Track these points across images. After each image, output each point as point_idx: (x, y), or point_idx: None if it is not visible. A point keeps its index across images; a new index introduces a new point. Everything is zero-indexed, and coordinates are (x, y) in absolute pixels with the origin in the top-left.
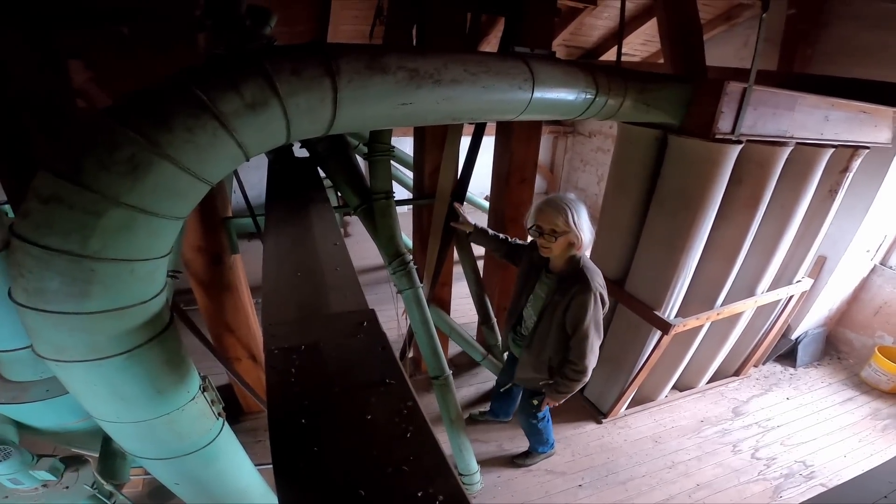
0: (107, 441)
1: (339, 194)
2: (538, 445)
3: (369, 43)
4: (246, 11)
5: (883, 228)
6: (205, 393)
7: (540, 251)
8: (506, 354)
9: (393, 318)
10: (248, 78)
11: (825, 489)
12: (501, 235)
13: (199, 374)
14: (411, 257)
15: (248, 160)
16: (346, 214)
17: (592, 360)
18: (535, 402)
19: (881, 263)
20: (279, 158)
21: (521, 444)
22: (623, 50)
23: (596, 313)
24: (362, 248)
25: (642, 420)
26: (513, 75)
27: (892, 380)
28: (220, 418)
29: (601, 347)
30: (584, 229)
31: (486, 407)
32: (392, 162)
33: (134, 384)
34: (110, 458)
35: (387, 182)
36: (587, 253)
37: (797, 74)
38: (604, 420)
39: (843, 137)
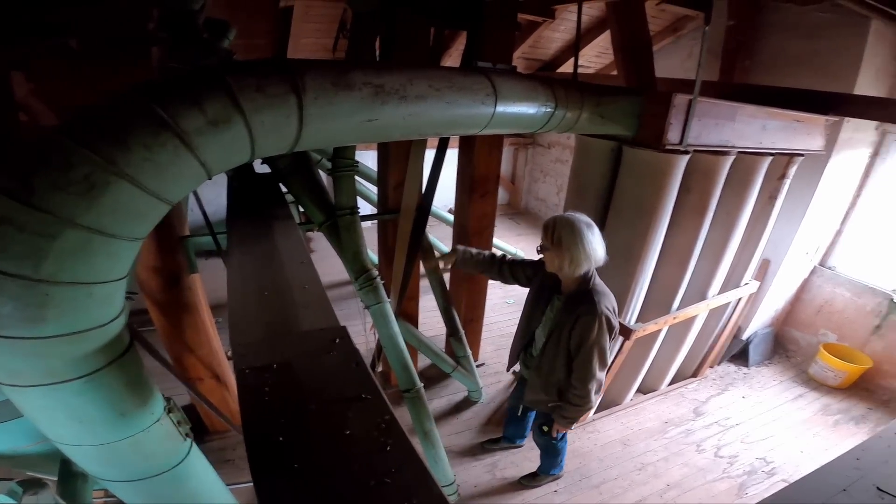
0: (66, 463)
1: (302, 210)
2: (550, 468)
3: (332, 57)
4: (203, 24)
5: (820, 231)
6: (170, 414)
7: None
8: (513, 373)
9: (361, 333)
10: (211, 94)
11: (787, 484)
12: (488, 253)
13: (164, 395)
14: (377, 272)
15: (210, 178)
16: (310, 231)
17: (594, 386)
18: (546, 428)
19: (820, 264)
20: (239, 175)
21: (518, 463)
22: (579, 62)
23: (600, 338)
24: (326, 264)
25: (610, 424)
26: (476, 90)
27: (838, 376)
28: (187, 439)
29: None
30: (572, 249)
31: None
32: (355, 177)
33: (94, 408)
34: (70, 481)
35: (351, 198)
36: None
37: (737, 85)
38: (574, 426)
39: (780, 146)
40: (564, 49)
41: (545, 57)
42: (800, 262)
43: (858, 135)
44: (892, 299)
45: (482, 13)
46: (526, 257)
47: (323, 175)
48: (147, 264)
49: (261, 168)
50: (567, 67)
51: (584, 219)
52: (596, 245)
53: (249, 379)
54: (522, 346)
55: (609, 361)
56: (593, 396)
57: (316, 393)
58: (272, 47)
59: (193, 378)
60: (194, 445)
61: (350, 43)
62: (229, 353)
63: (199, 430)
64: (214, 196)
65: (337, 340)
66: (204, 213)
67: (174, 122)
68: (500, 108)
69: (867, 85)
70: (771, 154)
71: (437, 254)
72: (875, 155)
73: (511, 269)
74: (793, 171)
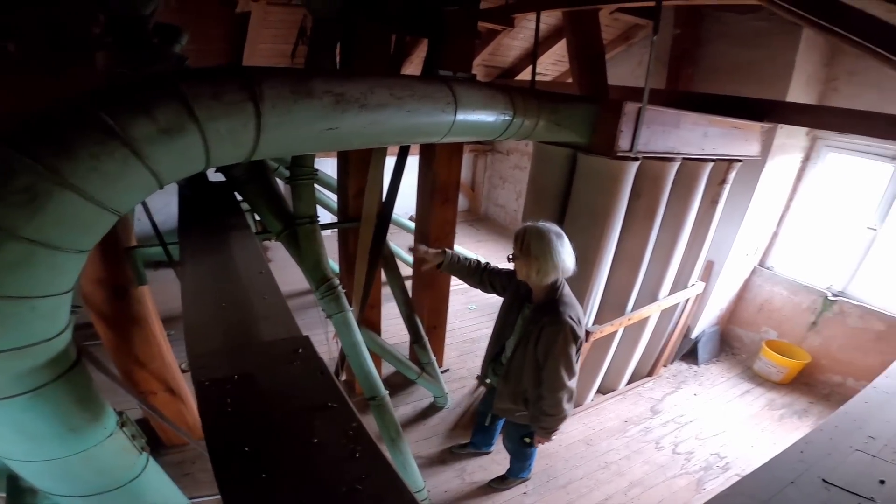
0: (13, 479)
1: (258, 219)
2: (519, 471)
3: (291, 64)
4: (154, 29)
5: (758, 233)
6: (124, 428)
7: None
8: (476, 379)
9: (323, 343)
10: (163, 102)
11: (730, 486)
12: (474, 260)
13: (115, 409)
14: (339, 281)
15: (161, 188)
16: (266, 240)
17: (565, 395)
18: (528, 440)
19: (759, 265)
20: (191, 183)
21: (486, 466)
22: (537, 70)
23: (566, 348)
24: (285, 273)
25: (573, 424)
26: (436, 99)
27: (780, 371)
28: (143, 452)
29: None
30: (540, 259)
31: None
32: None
33: (42, 423)
34: (19, 496)
35: (311, 206)
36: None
37: (682, 92)
38: (538, 445)
39: (720, 152)
40: (523, 57)
41: (504, 64)
42: (741, 263)
43: (791, 141)
44: (825, 297)
45: (443, 22)
46: (495, 265)
47: (280, 183)
48: (91, 277)
49: (214, 176)
50: (525, 75)
51: (554, 229)
52: (565, 256)
53: (210, 391)
54: (494, 355)
55: (576, 370)
56: (565, 405)
57: (280, 403)
58: (227, 53)
59: (146, 392)
60: (151, 459)
61: (310, 49)
62: (184, 366)
63: (155, 444)
64: (163, 205)
65: (300, 350)
66: (153, 223)
67: (123, 130)
68: (461, 117)
69: (799, 92)
70: (712, 160)
71: (423, 249)
72: (806, 160)
73: (490, 278)
74: (732, 176)
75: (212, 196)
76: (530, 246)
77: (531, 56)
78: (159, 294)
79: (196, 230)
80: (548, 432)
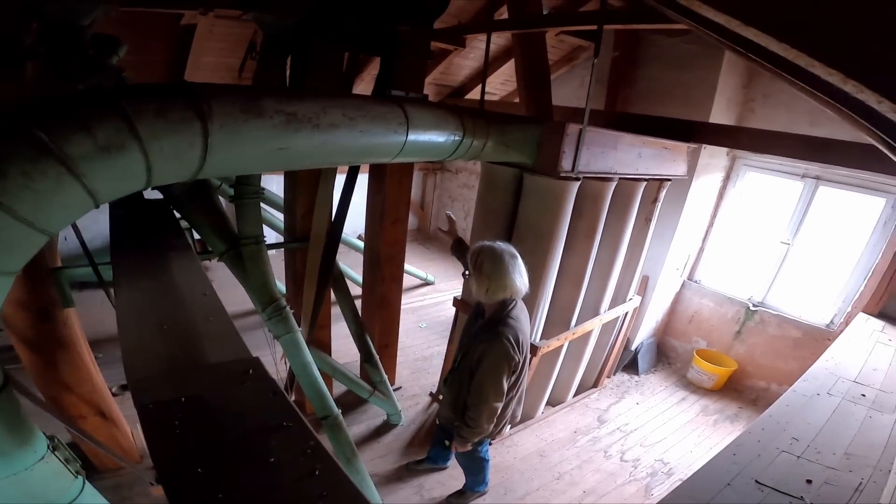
0: None
1: (197, 238)
2: (475, 484)
3: (238, 79)
4: (90, 39)
5: (686, 249)
6: (56, 452)
7: None
8: (430, 395)
9: (271, 364)
10: (103, 118)
11: (673, 489)
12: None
13: (45, 433)
14: (286, 302)
15: (97, 207)
16: (207, 260)
17: (485, 412)
18: (447, 443)
19: (689, 278)
20: (125, 201)
21: (444, 482)
22: (486, 89)
23: (497, 366)
24: (227, 294)
25: (526, 437)
26: (389, 120)
27: (711, 378)
28: (79, 476)
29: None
30: (489, 278)
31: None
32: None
33: None
34: None
35: (257, 226)
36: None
37: (619, 114)
38: (492, 441)
39: (653, 171)
40: (473, 76)
41: (454, 83)
42: (672, 277)
43: (714, 160)
44: (747, 307)
45: (397, 41)
46: (437, 282)
47: (223, 202)
48: (12, 299)
49: (150, 193)
50: (475, 94)
51: (509, 250)
52: (515, 276)
53: (154, 413)
54: (451, 367)
55: (503, 392)
56: (484, 422)
57: (233, 424)
58: (168, 65)
59: (75, 416)
60: (87, 484)
61: (259, 65)
62: (115, 390)
63: (88, 469)
64: (91, 221)
65: (250, 371)
66: (82, 242)
67: (58, 147)
68: (412, 137)
69: (720, 113)
70: (645, 179)
71: (448, 213)
72: (727, 179)
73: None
74: (663, 194)
75: (148, 214)
76: (483, 265)
77: (481, 75)
78: (85, 316)
79: (131, 250)
80: (463, 441)
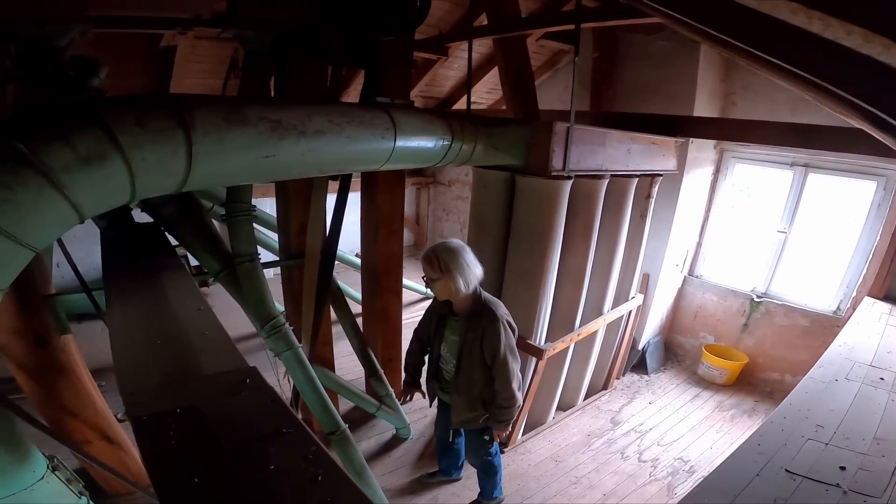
0: None
1: (194, 264)
2: (492, 489)
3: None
4: (70, 61)
5: (684, 244)
6: (56, 472)
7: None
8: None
9: (274, 384)
10: (82, 128)
11: (700, 482)
12: (417, 359)
13: (45, 454)
14: (284, 319)
15: (82, 221)
16: (204, 284)
17: (516, 384)
18: (487, 437)
19: (689, 274)
20: (114, 225)
21: (458, 493)
22: (472, 98)
23: (508, 339)
24: (226, 319)
25: (539, 443)
26: (376, 125)
27: (723, 374)
28: (82, 497)
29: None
30: (459, 272)
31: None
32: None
33: None
34: None
35: (250, 244)
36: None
37: (604, 113)
38: (505, 449)
39: (643, 167)
40: (458, 86)
41: (441, 94)
42: (672, 273)
43: (702, 154)
44: (752, 299)
45: (379, 52)
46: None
47: (216, 224)
48: (7, 327)
49: (141, 216)
50: (462, 104)
51: (458, 242)
52: (474, 263)
53: (148, 425)
54: (432, 375)
55: (518, 357)
56: (518, 394)
57: (230, 433)
58: (151, 88)
59: (80, 441)
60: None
61: (242, 82)
62: (119, 416)
63: (97, 494)
64: (85, 254)
65: (247, 381)
66: (75, 269)
67: (37, 158)
68: (400, 143)
69: (703, 107)
70: (637, 175)
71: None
72: (717, 172)
73: (423, 341)
74: (656, 189)
75: (139, 236)
76: (448, 264)
77: (466, 84)
78: (86, 346)
79: (123, 270)
80: (505, 425)
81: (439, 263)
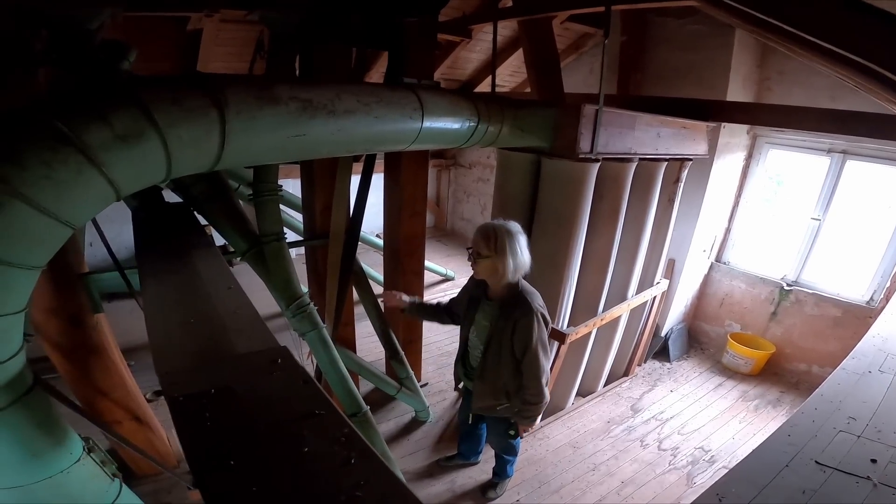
0: None
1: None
2: (508, 466)
3: None
4: (100, 45)
5: (712, 229)
6: (91, 454)
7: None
8: (459, 388)
9: (299, 364)
10: (120, 107)
11: (728, 470)
12: (435, 302)
13: (80, 435)
14: (309, 299)
15: (119, 199)
16: (230, 263)
17: (545, 379)
18: (512, 432)
19: (717, 260)
20: (146, 205)
21: (476, 477)
22: (496, 81)
23: (541, 334)
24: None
25: (558, 429)
26: (403, 105)
27: (748, 363)
28: (115, 479)
29: None
30: (512, 256)
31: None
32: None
33: (3, 448)
34: None
35: (277, 223)
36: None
37: (632, 97)
38: (524, 434)
39: (672, 151)
40: (481, 69)
41: (463, 77)
42: (699, 259)
43: (734, 139)
44: (781, 287)
45: (403, 34)
46: (457, 277)
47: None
48: (43, 306)
49: (170, 196)
50: (484, 86)
51: (517, 226)
52: (527, 252)
53: (185, 406)
54: (459, 358)
55: (550, 353)
56: (546, 390)
57: (263, 414)
58: (178, 71)
59: (111, 421)
60: (125, 487)
61: (268, 64)
62: (149, 395)
63: (126, 474)
64: (114, 234)
65: (279, 361)
66: (108, 248)
67: (77, 136)
68: (427, 123)
69: (737, 92)
70: (666, 159)
71: (396, 294)
72: (749, 157)
73: (449, 312)
74: (685, 174)
75: (169, 216)
76: (505, 244)
77: (489, 67)
78: (116, 325)
79: (155, 251)
80: (532, 420)
81: (496, 241)
